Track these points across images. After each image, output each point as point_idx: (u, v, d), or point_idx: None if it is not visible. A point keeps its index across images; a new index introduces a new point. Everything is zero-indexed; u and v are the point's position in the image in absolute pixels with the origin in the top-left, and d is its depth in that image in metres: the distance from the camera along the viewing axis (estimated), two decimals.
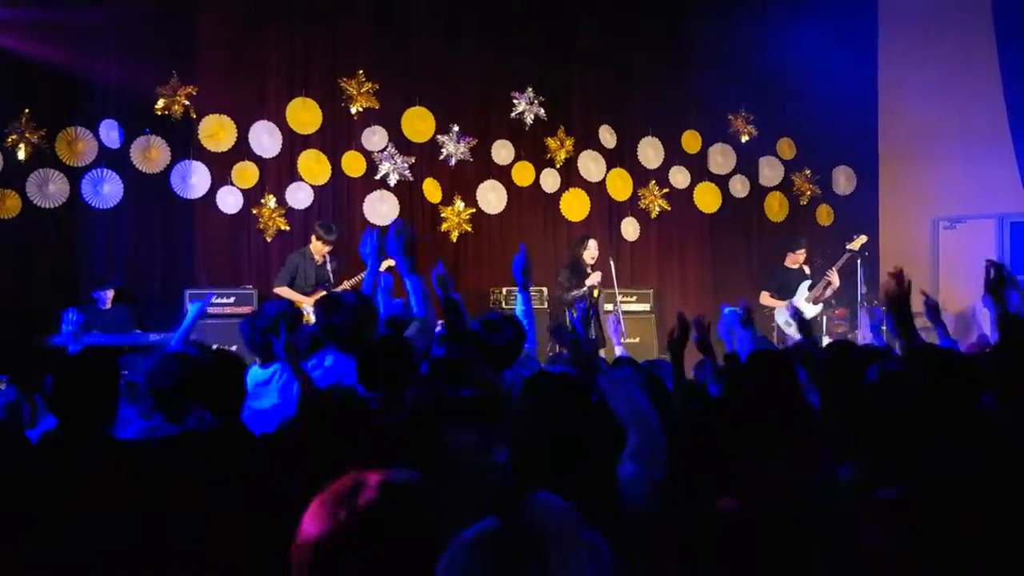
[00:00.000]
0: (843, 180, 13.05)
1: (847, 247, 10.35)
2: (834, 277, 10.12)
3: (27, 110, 9.16)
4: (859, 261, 11.25)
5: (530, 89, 11.29)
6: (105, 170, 9.50)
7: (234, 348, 8.58)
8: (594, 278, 9.67)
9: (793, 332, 10.02)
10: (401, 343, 3.92)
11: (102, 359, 3.73)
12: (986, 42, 11.33)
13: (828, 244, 11.43)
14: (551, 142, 11.44)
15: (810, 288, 10.16)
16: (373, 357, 3.81)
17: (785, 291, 10.31)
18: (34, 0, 9.03)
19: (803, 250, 10.45)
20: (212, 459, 3.14)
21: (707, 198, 12.33)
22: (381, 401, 3.70)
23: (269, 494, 2.93)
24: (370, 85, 10.52)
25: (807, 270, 10.43)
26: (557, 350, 9.46)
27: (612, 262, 10.11)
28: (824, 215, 12.84)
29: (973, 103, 11.68)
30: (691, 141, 12.22)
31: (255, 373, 4.39)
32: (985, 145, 11.64)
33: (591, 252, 9.81)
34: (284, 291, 9.20)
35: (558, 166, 11.50)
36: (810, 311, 10.04)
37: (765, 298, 10.41)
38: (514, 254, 5.34)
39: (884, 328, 6.79)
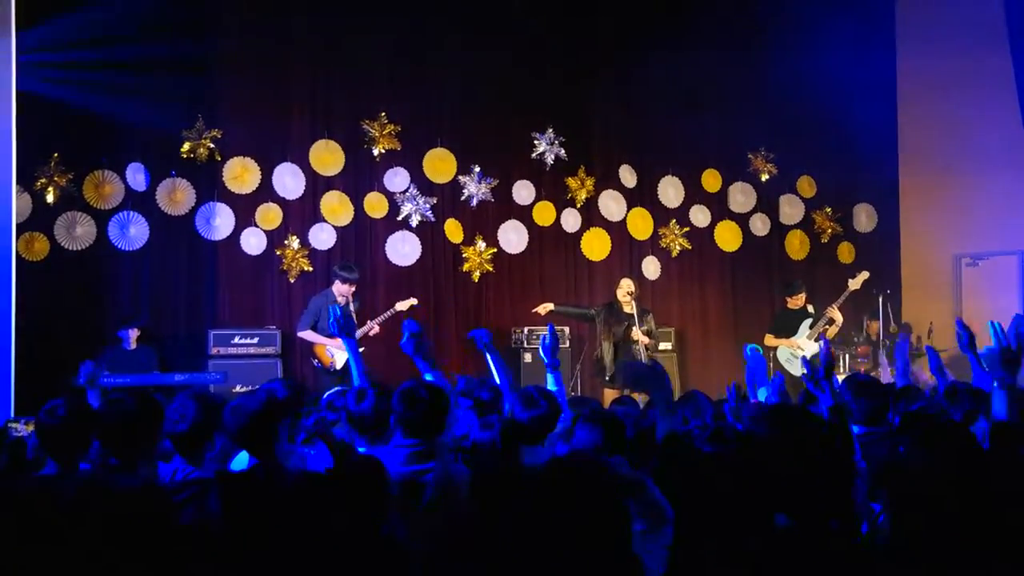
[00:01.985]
0: (864, 218, 13.03)
1: (849, 284, 10.33)
2: (836, 314, 10.10)
3: (55, 154, 9.32)
4: (881, 299, 11.22)
5: (550, 130, 11.38)
6: (131, 212, 9.63)
7: (255, 388, 8.67)
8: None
9: (794, 370, 9.99)
10: (438, 391, 3.93)
11: (150, 400, 3.81)
12: (1007, 77, 11.34)
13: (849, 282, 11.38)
14: (572, 182, 11.50)
15: (811, 326, 10.15)
16: (413, 405, 3.82)
17: (788, 331, 10.30)
18: (62, 45, 9.20)
19: (802, 293, 10.46)
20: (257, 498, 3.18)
21: (728, 237, 12.34)
22: (415, 448, 3.74)
23: (308, 532, 2.97)
24: (392, 127, 10.64)
25: (810, 308, 10.41)
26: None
27: (634, 301, 10.13)
28: (845, 253, 12.81)
29: (995, 139, 11.67)
30: (711, 180, 12.26)
31: None
32: (1007, 181, 11.63)
33: (623, 290, 9.82)
34: (308, 335, 9.25)
35: (579, 206, 11.55)
36: (811, 348, 10.03)
37: (769, 340, 10.40)
38: (542, 335, 5.41)
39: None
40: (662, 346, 11.09)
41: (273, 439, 3.62)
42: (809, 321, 10.20)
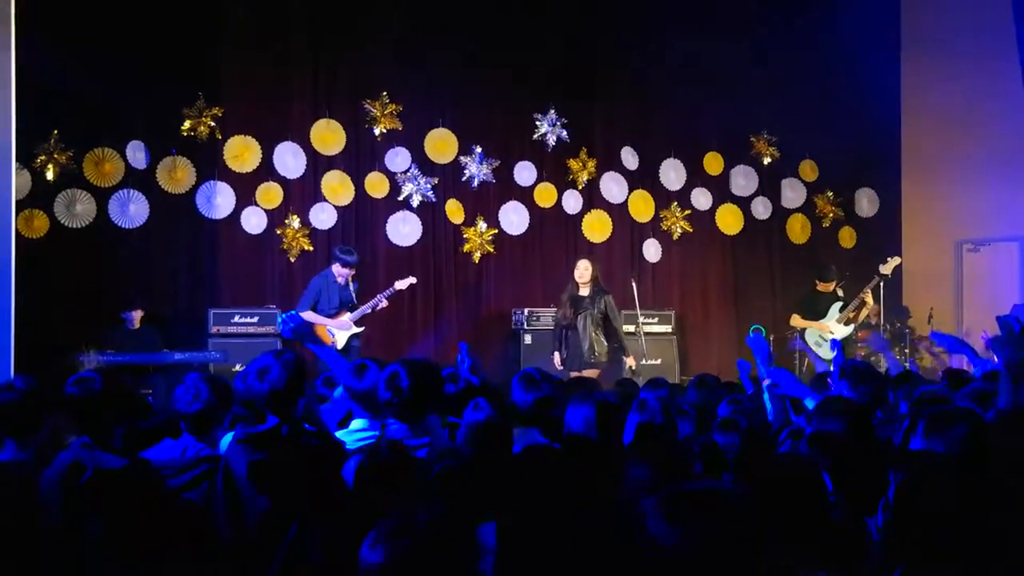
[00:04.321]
0: (866, 202, 13.00)
1: (880, 270, 10.23)
2: (868, 297, 10.02)
3: (55, 131, 9.29)
4: (881, 284, 11.20)
5: (552, 111, 11.34)
6: (132, 190, 9.62)
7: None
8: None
9: (823, 353, 9.92)
10: (422, 377, 3.93)
11: (115, 382, 3.80)
12: (1010, 63, 11.29)
13: (850, 266, 11.36)
14: (573, 163, 11.47)
15: (841, 309, 10.09)
16: (396, 392, 3.84)
17: (817, 313, 10.21)
18: (62, 20, 9.15)
19: (834, 281, 10.36)
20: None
21: (729, 220, 12.31)
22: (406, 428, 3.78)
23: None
24: (394, 107, 10.60)
25: (840, 292, 10.34)
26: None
27: (634, 283, 10.13)
28: (847, 237, 12.79)
29: (998, 124, 11.63)
30: (713, 163, 12.22)
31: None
32: (1010, 167, 11.59)
33: (577, 271, 9.50)
34: (308, 315, 9.22)
35: (580, 188, 11.52)
36: (841, 332, 9.96)
37: (796, 320, 10.31)
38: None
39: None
40: (661, 328, 11.05)
41: (297, 401, 3.64)
42: (839, 304, 10.13)
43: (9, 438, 3.69)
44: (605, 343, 9.29)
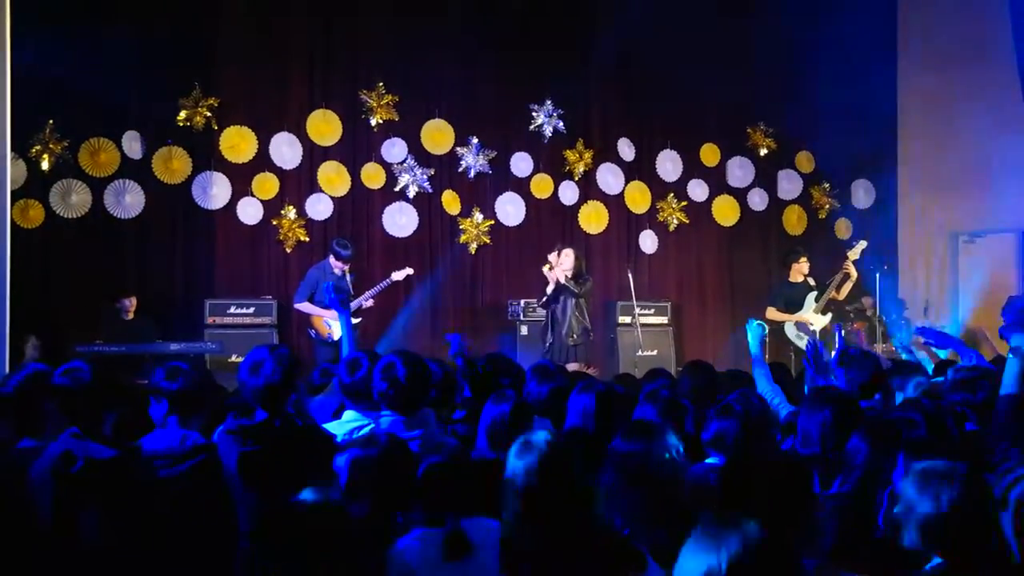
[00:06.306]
0: (862, 194, 13.01)
1: (848, 255, 10.22)
2: (852, 270, 9.96)
3: (50, 121, 9.26)
4: (878, 275, 11.20)
5: (549, 102, 11.32)
6: (127, 181, 9.59)
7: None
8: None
9: (804, 345, 9.83)
10: (415, 369, 3.92)
11: (105, 372, 3.79)
12: (1007, 55, 11.28)
13: (846, 258, 11.34)
14: (570, 154, 11.46)
15: (816, 299, 10.07)
16: (392, 383, 3.83)
17: (792, 305, 10.18)
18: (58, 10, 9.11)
19: (804, 259, 10.33)
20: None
21: (725, 211, 12.32)
22: (400, 419, 3.78)
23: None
24: (390, 97, 10.58)
25: (812, 282, 10.31)
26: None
27: (631, 275, 10.13)
28: (843, 229, 12.79)
29: (995, 116, 11.62)
30: (709, 154, 12.22)
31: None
32: (1006, 159, 11.58)
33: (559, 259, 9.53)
34: (305, 306, 9.23)
35: (576, 179, 11.52)
36: (820, 322, 9.95)
37: (772, 313, 10.24)
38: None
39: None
40: (657, 320, 11.08)
41: (289, 395, 3.66)
42: (814, 294, 10.11)
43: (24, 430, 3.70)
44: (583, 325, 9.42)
